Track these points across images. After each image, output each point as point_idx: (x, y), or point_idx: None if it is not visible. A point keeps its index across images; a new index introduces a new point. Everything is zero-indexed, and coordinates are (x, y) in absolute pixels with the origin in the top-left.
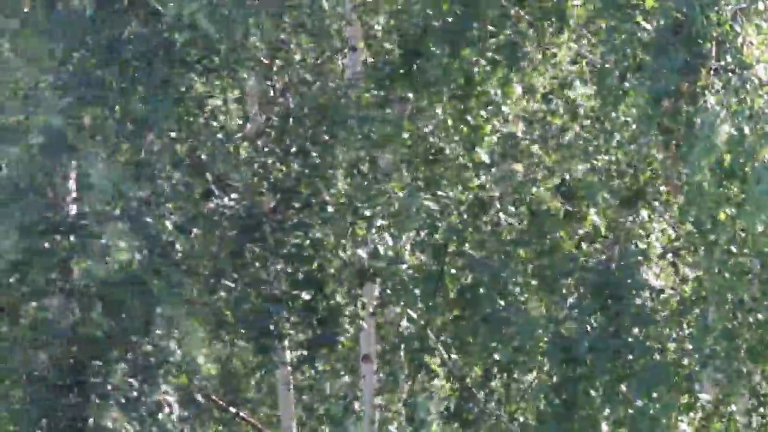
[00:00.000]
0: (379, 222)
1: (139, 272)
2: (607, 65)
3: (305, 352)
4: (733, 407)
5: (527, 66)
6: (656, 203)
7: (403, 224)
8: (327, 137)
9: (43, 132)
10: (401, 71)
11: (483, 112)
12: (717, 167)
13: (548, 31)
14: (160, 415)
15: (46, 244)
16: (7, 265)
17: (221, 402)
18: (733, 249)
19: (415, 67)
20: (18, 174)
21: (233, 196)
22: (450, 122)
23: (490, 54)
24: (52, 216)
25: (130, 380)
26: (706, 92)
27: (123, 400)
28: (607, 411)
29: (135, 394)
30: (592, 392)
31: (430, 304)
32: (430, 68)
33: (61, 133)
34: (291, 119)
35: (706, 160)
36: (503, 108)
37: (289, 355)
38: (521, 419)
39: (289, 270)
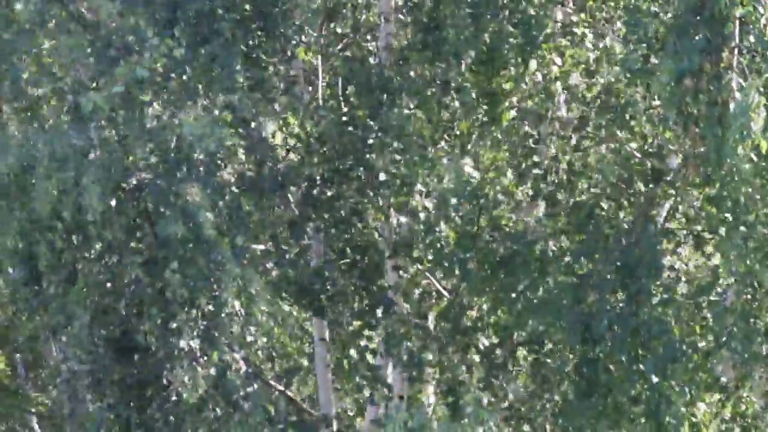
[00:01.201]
0: (420, 188)
1: (211, 232)
2: (631, 45)
3: (360, 322)
4: (753, 386)
5: (548, 44)
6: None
7: (446, 191)
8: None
9: (127, 82)
10: (418, 43)
11: (505, 85)
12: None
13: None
14: (228, 374)
15: (119, 204)
16: (97, 218)
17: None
18: (753, 234)
19: (431, 39)
20: (96, 127)
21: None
22: (473, 95)
23: (506, 32)
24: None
25: (194, 341)
26: (730, 72)
27: (189, 361)
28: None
29: (199, 353)
30: (613, 371)
31: (467, 269)
32: (446, 40)
33: (144, 83)
34: (341, 90)
35: (743, 144)
36: (523, 85)
37: (328, 334)
38: (547, 396)
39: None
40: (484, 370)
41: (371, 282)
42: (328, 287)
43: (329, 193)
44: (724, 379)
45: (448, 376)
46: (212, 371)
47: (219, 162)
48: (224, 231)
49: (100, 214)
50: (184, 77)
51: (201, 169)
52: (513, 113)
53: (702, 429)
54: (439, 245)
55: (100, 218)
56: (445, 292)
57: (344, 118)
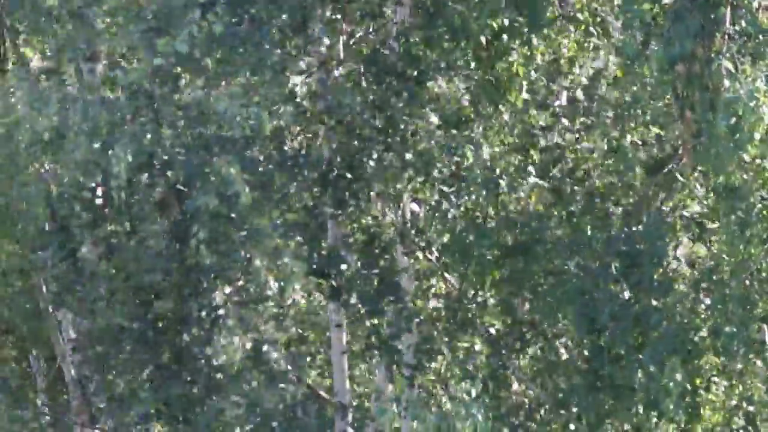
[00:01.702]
0: (436, 174)
1: (246, 200)
2: (629, 30)
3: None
4: (757, 372)
5: (551, 30)
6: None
7: (469, 179)
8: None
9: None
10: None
11: (511, 67)
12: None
13: None
14: (264, 348)
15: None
16: (123, 186)
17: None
18: (748, 219)
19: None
20: (128, 99)
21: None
22: (475, 80)
23: (507, 19)
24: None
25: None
26: (721, 57)
27: (224, 334)
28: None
29: (234, 326)
30: (615, 360)
31: (479, 255)
32: (450, 24)
33: (184, 55)
34: (363, 74)
35: (758, 130)
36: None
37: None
38: (552, 385)
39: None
40: (488, 360)
41: (382, 268)
42: (342, 269)
43: (347, 175)
44: (734, 365)
45: (455, 365)
46: (248, 345)
47: (251, 140)
48: (258, 205)
49: (126, 183)
50: (218, 56)
51: (235, 145)
52: (523, 96)
53: (704, 418)
54: (454, 231)
55: (127, 190)
56: (452, 279)
57: (368, 100)
